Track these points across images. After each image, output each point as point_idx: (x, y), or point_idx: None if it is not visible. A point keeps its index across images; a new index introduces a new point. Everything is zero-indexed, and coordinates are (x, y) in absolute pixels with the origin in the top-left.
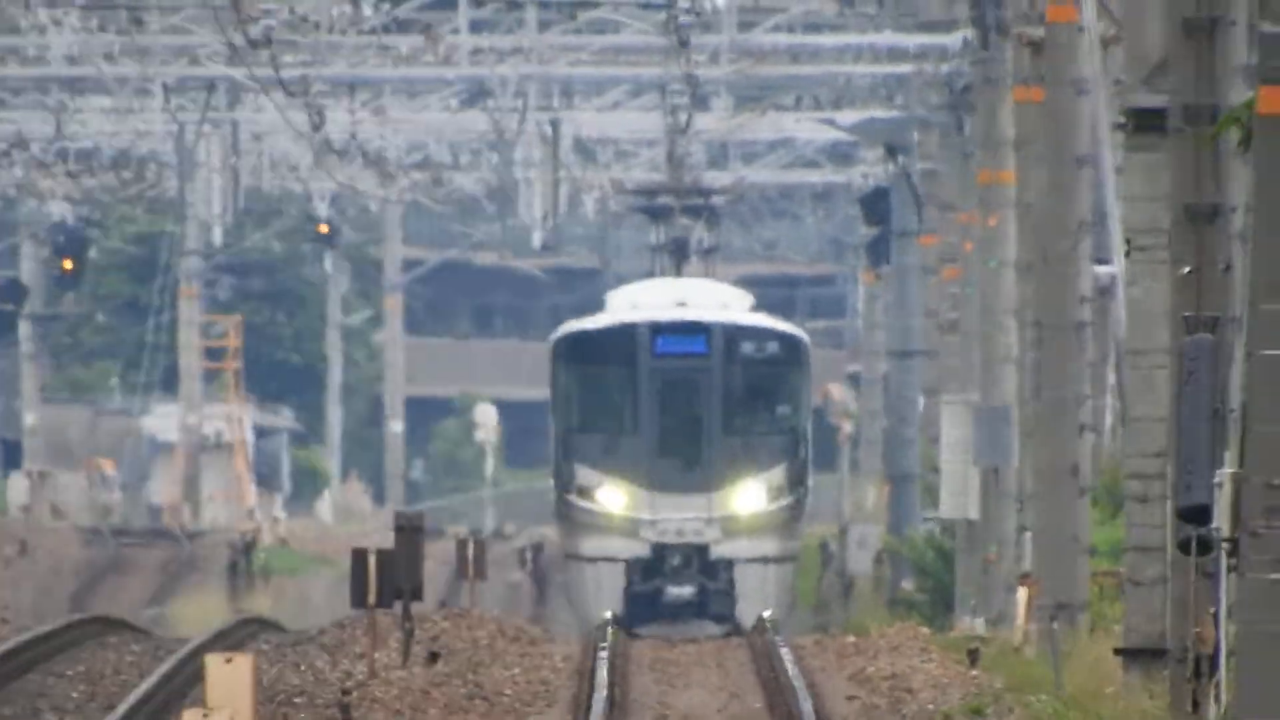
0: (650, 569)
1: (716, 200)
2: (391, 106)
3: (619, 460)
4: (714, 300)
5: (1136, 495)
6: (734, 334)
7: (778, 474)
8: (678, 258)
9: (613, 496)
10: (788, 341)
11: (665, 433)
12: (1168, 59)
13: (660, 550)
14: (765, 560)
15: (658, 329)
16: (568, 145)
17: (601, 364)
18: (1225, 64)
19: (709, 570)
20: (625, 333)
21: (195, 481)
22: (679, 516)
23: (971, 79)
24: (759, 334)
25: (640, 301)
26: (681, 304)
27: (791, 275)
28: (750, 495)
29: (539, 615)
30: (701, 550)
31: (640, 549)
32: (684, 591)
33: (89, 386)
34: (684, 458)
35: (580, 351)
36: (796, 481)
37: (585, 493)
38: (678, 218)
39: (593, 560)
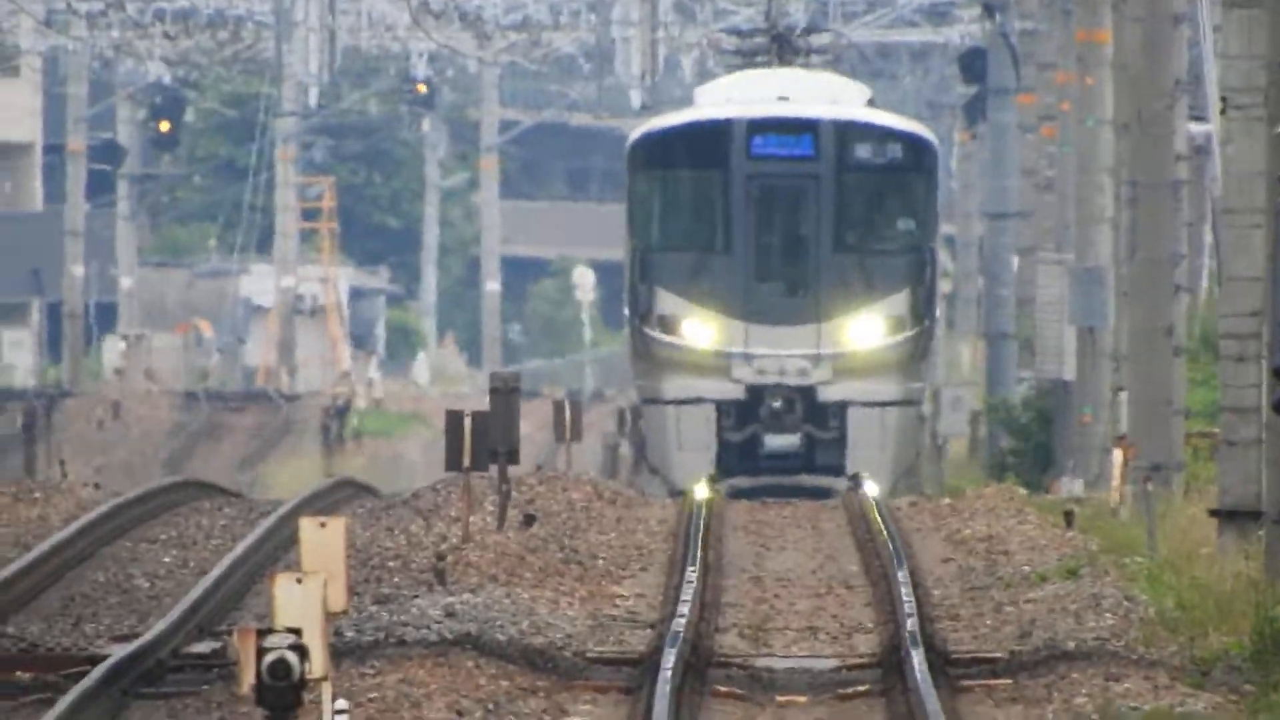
0: (745, 414)
1: (815, 58)
2: None
3: (708, 285)
4: (823, 94)
5: (1232, 355)
6: (847, 132)
7: (899, 301)
8: (779, 54)
9: (700, 329)
10: (912, 142)
11: (764, 252)
12: None
13: (758, 392)
14: (884, 405)
15: (755, 126)
16: (666, 4)
17: (687, 169)
18: None
19: (816, 416)
20: (715, 131)
21: (290, 344)
22: (780, 352)
23: None
24: (877, 133)
25: (735, 95)
26: (784, 98)
27: None
28: (866, 327)
29: (636, 478)
30: (807, 392)
31: (734, 390)
32: (786, 441)
33: (186, 248)
34: (786, 282)
35: (662, 154)
36: (921, 311)
37: (667, 324)
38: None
39: (676, 404)
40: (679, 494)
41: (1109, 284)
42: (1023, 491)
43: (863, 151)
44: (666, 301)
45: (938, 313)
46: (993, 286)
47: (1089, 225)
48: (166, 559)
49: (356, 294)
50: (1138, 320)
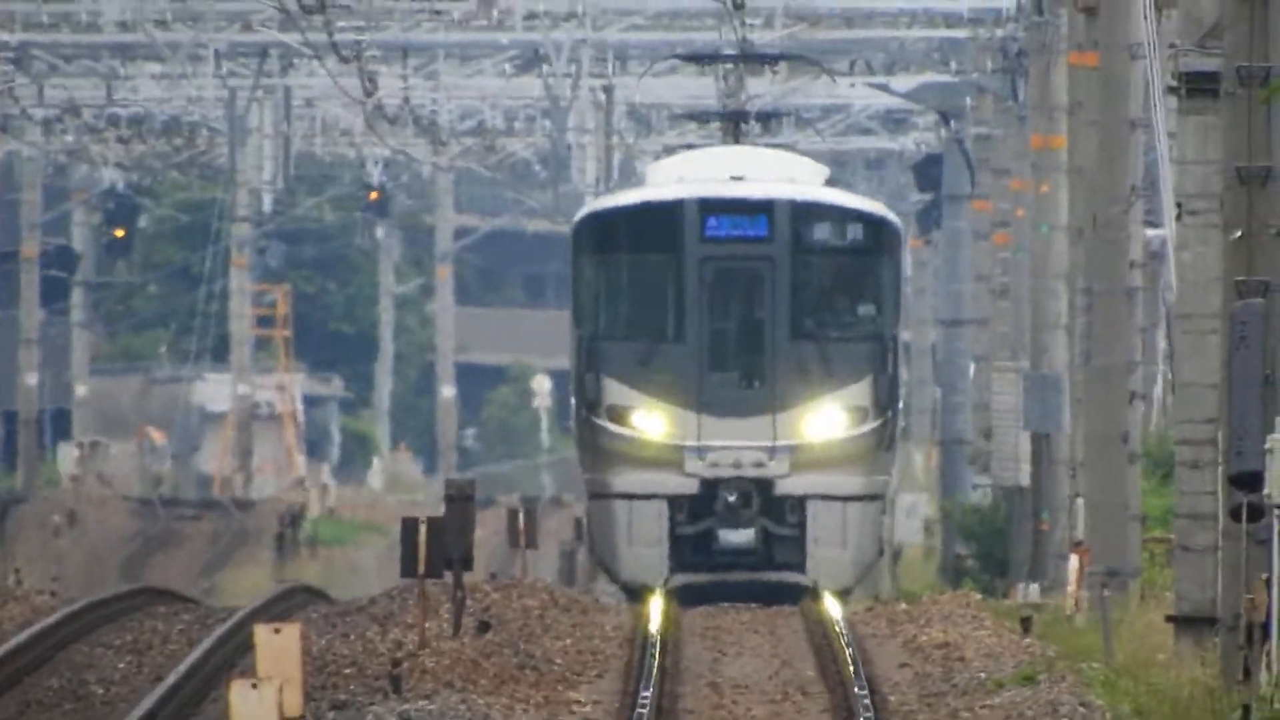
0: (699, 508)
1: None
2: (444, 72)
3: (659, 374)
4: (779, 172)
5: (1187, 461)
6: (804, 212)
7: (860, 390)
8: (733, 128)
9: (651, 420)
10: (873, 223)
11: (717, 339)
12: (1221, 22)
13: (712, 485)
14: (846, 499)
15: (707, 206)
16: (621, 111)
17: (636, 251)
18: (1279, 27)
19: (773, 510)
20: (666, 211)
21: (246, 451)
22: (735, 444)
23: (1025, 44)
24: (836, 213)
25: (686, 174)
26: (738, 177)
27: None
28: (826, 417)
29: (591, 584)
30: (764, 486)
31: (687, 484)
32: (742, 536)
33: (140, 355)
34: (741, 370)
35: (610, 236)
36: (884, 401)
37: (616, 415)
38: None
39: (626, 498)
40: (630, 592)
41: (1064, 390)
42: (978, 598)
43: (821, 232)
44: (615, 391)
45: (901, 404)
46: (948, 393)
47: (1043, 331)
48: (121, 665)
49: (311, 401)
50: (1093, 426)
